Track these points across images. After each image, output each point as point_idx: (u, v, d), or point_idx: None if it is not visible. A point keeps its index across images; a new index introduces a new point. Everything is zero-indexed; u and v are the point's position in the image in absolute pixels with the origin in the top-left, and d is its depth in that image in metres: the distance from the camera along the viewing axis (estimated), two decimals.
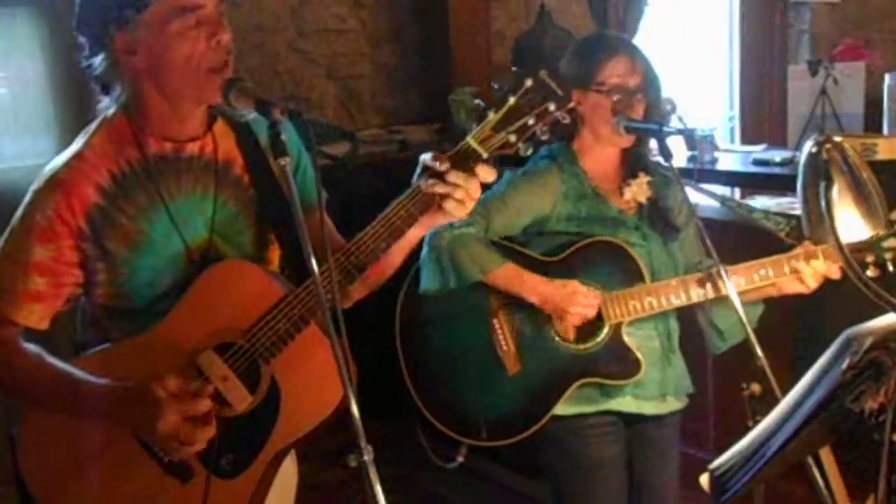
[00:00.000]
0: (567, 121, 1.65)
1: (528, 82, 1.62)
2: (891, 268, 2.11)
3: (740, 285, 2.18)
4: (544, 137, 1.65)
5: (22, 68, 3.66)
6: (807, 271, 2.17)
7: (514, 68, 1.69)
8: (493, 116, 1.63)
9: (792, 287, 2.22)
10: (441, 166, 1.62)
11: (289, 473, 1.92)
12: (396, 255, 1.79)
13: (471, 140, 1.64)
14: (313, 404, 1.69)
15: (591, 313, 2.21)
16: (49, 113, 3.63)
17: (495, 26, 4.69)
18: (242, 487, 1.71)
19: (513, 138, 1.63)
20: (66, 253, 1.67)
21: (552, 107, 1.62)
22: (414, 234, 1.74)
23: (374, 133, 4.36)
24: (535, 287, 2.22)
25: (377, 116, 4.55)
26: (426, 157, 1.66)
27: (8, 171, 3.37)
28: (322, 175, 1.59)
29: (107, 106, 1.74)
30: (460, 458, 2.33)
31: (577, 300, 2.19)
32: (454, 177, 1.63)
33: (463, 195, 1.64)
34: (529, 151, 1.66)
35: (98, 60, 1.67)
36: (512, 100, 1.62)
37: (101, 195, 1.68)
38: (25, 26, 3.64)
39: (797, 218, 2.22)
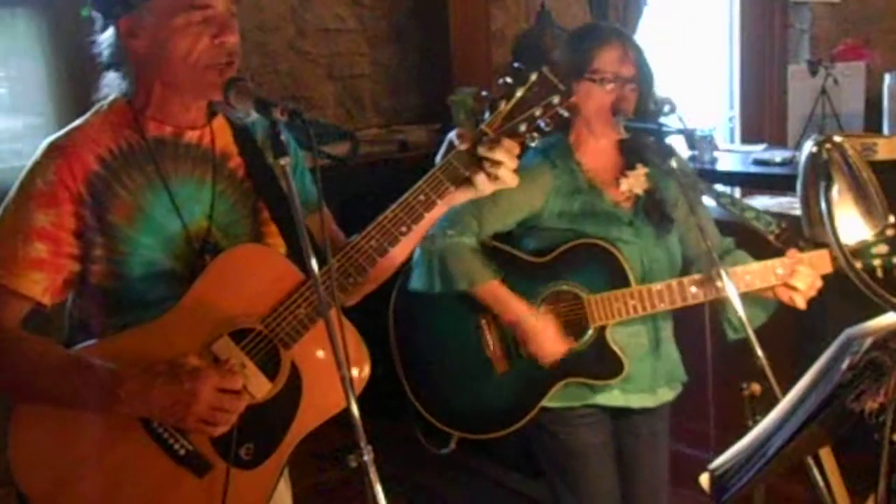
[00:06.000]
0: (567, 114, 1.76)
1: (533, 77, 1.73)
2: (879, 274, 2.10)
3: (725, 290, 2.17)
4: (548, 129, 1.75)
5: (22, 68, 3.66)
6: (797, 283, 2.17)
7: (515, 64, 1.76)
8: (504, 106, 1.73)
9: (784, 297, 2.22)
10: (463, 144, 1.71)
11: (281, 496, 1.87)
12: (407, 243, 1.80)
13: (485, 128, 1.73)
14: (338, 389, 1.59)
15: (548, 359, 2.22)
16: (49, 113, 3.63)
17: (495, 26, 4.68)
18: (263, 478, 1.66)
19: (522, 127, 1.73)
20: (66, 219, 1.64)
21: (556, 100, 1.73)
22: (430, 218, 1.77)
23: (374, 133, 4.36)
24: (514, 310, 2.23)
25: (377, 116, 4.55)
26: (452, 136, 1.74)
27: (7, 170, 3.37)
28: (322, 175, 1.58)
29: (105, 95, 1.75)
30: (452, 445, 2.42)
31: (547, 336, 2.20)
32: (484, 150, 1.70)
33: (493, 169, 1.71)
34: (534, 143, 1.76)
35: (104, 38, 1.68)
36: (520, 92, 1.72)
37: (101, 165, 1.66)
38: (25, 26, 3.64)
39: (790, 219, 2.21)
